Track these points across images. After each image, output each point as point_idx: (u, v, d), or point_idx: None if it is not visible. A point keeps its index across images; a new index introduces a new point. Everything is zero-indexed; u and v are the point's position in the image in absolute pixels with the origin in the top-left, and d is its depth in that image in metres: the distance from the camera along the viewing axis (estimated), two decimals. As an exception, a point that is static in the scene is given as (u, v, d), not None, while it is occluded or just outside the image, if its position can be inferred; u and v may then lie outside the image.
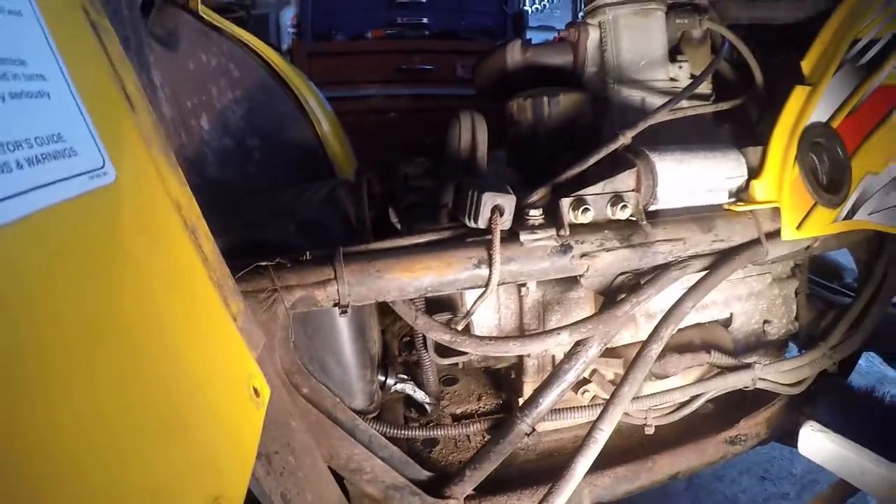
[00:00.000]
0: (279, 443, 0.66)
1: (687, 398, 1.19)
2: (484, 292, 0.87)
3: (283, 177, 1.62)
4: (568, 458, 0.93)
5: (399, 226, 1.11)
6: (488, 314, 1.13)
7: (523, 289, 1.13)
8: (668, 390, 1.17)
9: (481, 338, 0.90)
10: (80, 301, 0.38)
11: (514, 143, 1.31)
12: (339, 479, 0.89)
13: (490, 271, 0.86)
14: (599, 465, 1.16)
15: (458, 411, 1.34)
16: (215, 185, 1.33)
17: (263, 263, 0.82)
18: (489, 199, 0.91)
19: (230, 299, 0.67)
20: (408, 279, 0.80)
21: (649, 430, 1.21)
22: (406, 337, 1.36)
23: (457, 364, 1.13)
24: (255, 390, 0.59)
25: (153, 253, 0.49)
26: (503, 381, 1.39)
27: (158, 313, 0.47)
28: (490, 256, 0.86)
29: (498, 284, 0.88)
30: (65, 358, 0.35)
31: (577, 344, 1.01)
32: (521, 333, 1.15)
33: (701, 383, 1.16)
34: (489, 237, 0.88)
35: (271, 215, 1.10)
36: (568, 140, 1.23)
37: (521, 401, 1.30)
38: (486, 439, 1.32)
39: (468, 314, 0.95)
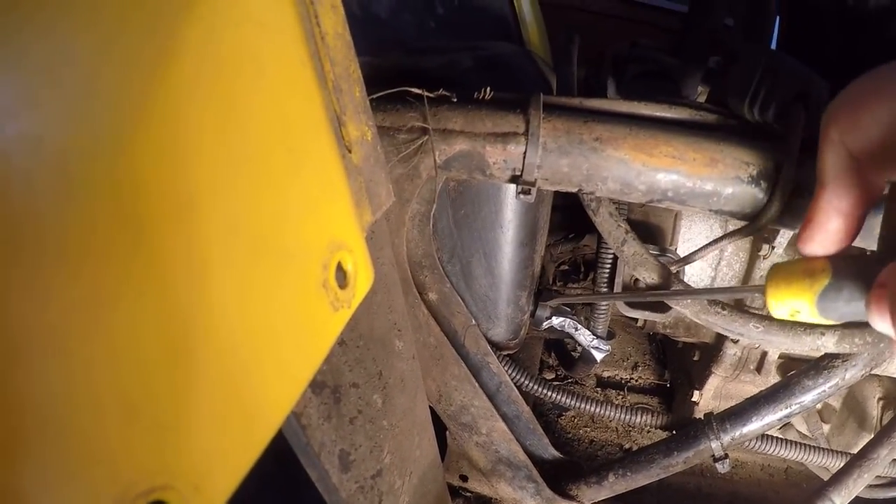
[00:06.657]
0: (366, 370, 0.38)
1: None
2: (753, 223, 0.52)
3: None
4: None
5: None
6: (703, 266, 0.77)
7: (765, 245, 0.76)
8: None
9: (712, 300, 0.56)
10: None
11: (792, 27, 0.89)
12: (439, 427, 0.62)
13: (771, 196, 0.51)
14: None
15: (605, 375, 1.02)
16: (381, 27, 1.08)
17: (416, 90, 0.53)
18: (791, 81, 0.55)
19: (350, 117, 0.39)
20: (640, 165, 0.47)
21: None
22: (564, 265, 1.04)
23: (635, 320, 0.80)
24: (343, 273, 0.31)
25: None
26: (674, 357, 1.05)
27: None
28: (778, 170, 0.50)
29: (767, 224, 0.53)
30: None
31: (833, 357, 0.65)
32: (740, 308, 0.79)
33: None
34: (781, 143, 0.52)
35: (442, 49, 0.80)
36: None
37: (696, 394, 0.96)
38: (640, 429, 1.01)
39: (691, 256, 0.61)
